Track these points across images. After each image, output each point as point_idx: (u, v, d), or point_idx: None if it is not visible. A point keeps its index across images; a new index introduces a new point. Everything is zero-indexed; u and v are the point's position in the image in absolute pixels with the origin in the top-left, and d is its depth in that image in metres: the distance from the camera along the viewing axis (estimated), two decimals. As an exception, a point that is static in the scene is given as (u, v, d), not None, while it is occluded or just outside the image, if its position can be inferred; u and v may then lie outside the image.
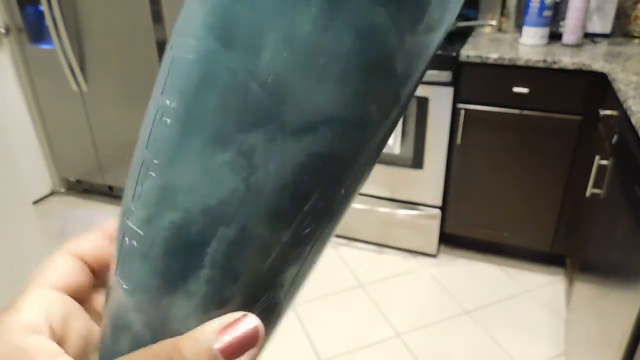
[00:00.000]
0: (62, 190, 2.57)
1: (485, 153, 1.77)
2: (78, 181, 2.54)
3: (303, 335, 1.63)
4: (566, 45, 1.75)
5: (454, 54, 1.64)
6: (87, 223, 2.33)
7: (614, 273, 1.12)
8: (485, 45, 1.77)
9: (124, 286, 0.20)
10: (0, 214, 1.08)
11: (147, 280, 0.19)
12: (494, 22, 2.01)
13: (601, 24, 1.85)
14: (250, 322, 0.18)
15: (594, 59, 1.55)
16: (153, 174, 0.19)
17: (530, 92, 1.62)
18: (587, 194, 1.38)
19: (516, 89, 1.63)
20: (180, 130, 0.18)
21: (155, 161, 0.19)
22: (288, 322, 1.68)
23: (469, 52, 1.65)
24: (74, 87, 2.17)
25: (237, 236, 0.18)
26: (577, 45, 1.75)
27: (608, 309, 1.11)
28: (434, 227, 1.94)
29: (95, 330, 0.23)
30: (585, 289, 1.39)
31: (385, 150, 1.68)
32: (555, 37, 1.81)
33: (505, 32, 2.02)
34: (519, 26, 1.96)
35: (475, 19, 2.04)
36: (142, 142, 0.20)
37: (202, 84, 0.18)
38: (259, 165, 0.17)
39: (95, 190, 2.54)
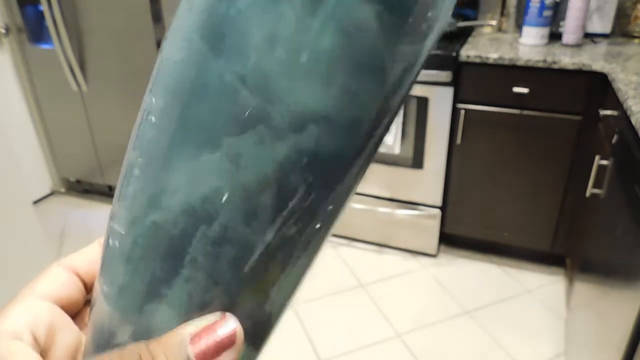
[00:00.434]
0: (62, 190, 2.57)
1: (485, 153, 1.77)
2: (78, 181, 2.54)
3: (303, 335, 1.63)
4: (566, 45, 1.75)
5: (454, 54, 1.64)
6: (87, 223, 2.33)
7: (613, 273, 1.12)
8: (485, 45, 1.77)
9: (107, 290, 0.20)
10: (0, 214, 1.08)
11: (129, 284, 0.19)
12: (494, 22, 2.01)
13: (601, 24, 1.85)
14: (228, 325, 0.18)
15: (593, 59, 1.55)
16: (137, 173, 0.19)
17: (530, 92, 1.62)
18: (587, 194, 1.38)
19: (516, 89, 1.63)
20: (164, 129, 0.18)
21: (140, 159, 0.19)
22: (288, 322, 1.68)
23: (469, 52, 1.65)
24: (74, 87, 2.17)
25: (218, 235, 0.18)
26: (577, 45, 1.75)
27: (608, 309, 1.11)
28: (434, 227, 1.94)
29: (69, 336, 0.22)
30: (585, 289, 1.39)
31: (385, 150, 1.67)
32: (555, 37, 1.81)
33: (505, 32, 2.02)
34: (519, 26, 1.96)
35: (475, 19, 2.04)
36: (130, 143, 0.20)
37: (187, 84, 0.17)
38: (245, 166, 0.17)
39: (95, 190, 2.54)
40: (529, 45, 1.77)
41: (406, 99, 0.20)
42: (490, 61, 1.62)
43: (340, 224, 1.72)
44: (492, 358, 1.54)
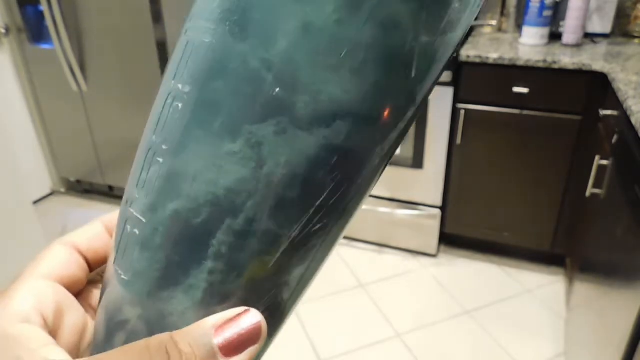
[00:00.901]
0: (62, 190, 2.57)
1: (485, 153, 1.77)
2: (78, 181, 2.54)
3: (303, 335, 1.63)
4: (566, 45, 1.75)
5: (454, 54, 1.64)
6: (87, 223, 2.32)
7: (614, 273, 1.12)
8: (485, 45, 1.77)
9: (122, 276, 0.19)
10: (0, 214, 1.08)
11: (147, 271, 0.19)
12: (494, 22, 2.01)
13: (601, 24, 1.85)
14: (252, 318, 0.18)
15: (593, 59, 1.55)
16: (160, 160, 0.18)
17: (530, 92, 1.62)
18: (587, 194, 1.38)
19: (516, 89, 1.63)
20: (191, 116, 0.18)
21: (164, 146, 0.18)
22: (288, 322, 1.68)
23: (469, 52, 1.65)
24: (74, 87, 2.17)
25: (244, 228, 0.17)
26: (577, 45, 1.75)
27: (608, 309, 1.11)
28: (434, 227, 1.94)
29: (90, 325, 0.22)
30: (585, 289, 1.39)
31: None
32: (555, 37, 1.81)
33: (505, 32, 2.02)
34: (519, 26, 1.96)
35: (475, 18, 2.04)
36: (150, 128, 0.19)
37: (215, 69, 0.17)
38: (268, 157, 0.17)
39: (95, 190, 2.54)
40: (529, 45, 1.77)
41: (427, 100, 0.20)
42: (490, 61, 1.62)
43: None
44: (492, 358, 1.54)
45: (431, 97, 1.71)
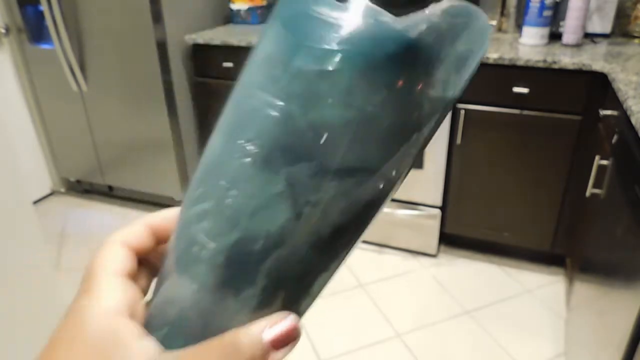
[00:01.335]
0: (62, 190, 2.58)
1: (485, 153, 1.77)
2: (78, 181, 2.54)
3: (303, 335, 1.63)
4: (566, 45, 1.75)
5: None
6: (87, 223, 2.33)
7: (614, 273, 1.12)
8: (485, 45, 1.77)
9: (190, 284, 0.23)
10: (0, 214, 1.08)
11: (211, 285, 0.23)
12: (494, 22, 2.01)
13: (601, 24, 1.85)
14: (292, 320, 0.22)
15: (593, 59, 1.55)
16: (229, 200, 0.23)
17: (530, 92, 1.62)
18: (587, 194, 1.38)
19: (516, 89, 1.63)
20: (257, 169, 0.22)
21: (231, 191, 0.23)
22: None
23: (469, 52, 1.65)
24: (74, 87, 2.17)
25: (288, 256, 0.22)
26: (577, 45, 1.75)
27: (608, 309, 1.11)
28: (434, 227, 1.94)
29: (140, 306, 0.24)
30: (585, 289, 1.39)
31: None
32: (555, 37, 1.81)
33: (505, 32, 2.02)
34: (519, 26, 1.96)
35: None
36: (220, 173, 0.23)
37: (282, 137, 0.22)
38: (299, 197, 0.22)
39: (95, 190, 2.54)
40: (529, 45, 1.77)
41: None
42: (490, 61, 1.62)
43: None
44: (492, 358, 1.54)
45: (431, 97, 1.72)
